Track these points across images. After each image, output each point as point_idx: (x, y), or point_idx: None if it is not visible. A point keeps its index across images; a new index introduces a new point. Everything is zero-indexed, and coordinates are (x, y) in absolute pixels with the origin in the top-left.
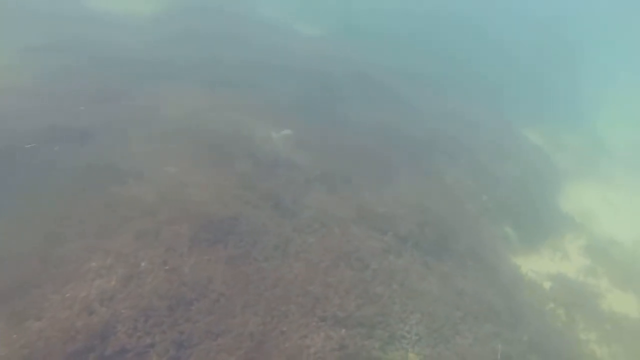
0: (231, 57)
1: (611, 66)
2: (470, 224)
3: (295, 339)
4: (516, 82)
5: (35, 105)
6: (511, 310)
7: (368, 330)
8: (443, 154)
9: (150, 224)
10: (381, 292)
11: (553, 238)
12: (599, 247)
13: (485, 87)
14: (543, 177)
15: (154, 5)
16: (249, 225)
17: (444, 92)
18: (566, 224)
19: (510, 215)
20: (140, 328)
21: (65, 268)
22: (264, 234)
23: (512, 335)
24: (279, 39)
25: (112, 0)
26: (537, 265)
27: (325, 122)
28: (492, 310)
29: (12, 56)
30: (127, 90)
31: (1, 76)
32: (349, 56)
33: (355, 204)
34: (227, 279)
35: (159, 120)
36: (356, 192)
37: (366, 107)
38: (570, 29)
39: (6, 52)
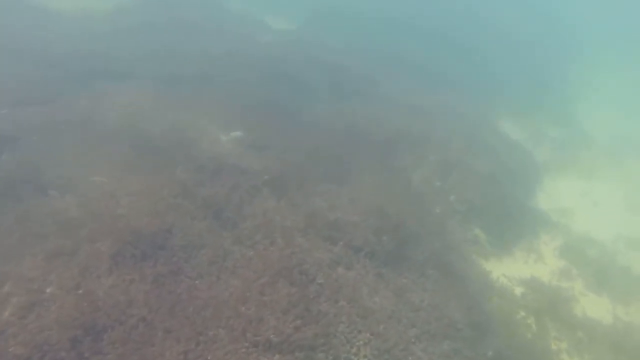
0: (187, 50)
1: (598, 53)
2: (435, 229)
3: None
4: (500, 71)
5: None
6: (475, 324)
7: (307, 354)
8: (412, 151)
9: (68, 241)
10: (326, 310)
11: (529, 239)
12: (576, 247)
13: (470, 75)
14: (520, 172)
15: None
16: (184, 239)
17: (425, 81)
18: (543, 223)
19: (482, 217)
20: None
21: None
22: (200, 248)
23: (474, 351)
24: (244, 31)
25: None
26: (509, 270)
27: (285, 120)
28: (453, 325)
29: None
30: (62, 90)
31: None
32: (321, 46)
33: (306, 211)
34: (151, 301)
35: (95, 123)
36: (308, 197)
37: (334, 102)
38: (562, 17)
39: None
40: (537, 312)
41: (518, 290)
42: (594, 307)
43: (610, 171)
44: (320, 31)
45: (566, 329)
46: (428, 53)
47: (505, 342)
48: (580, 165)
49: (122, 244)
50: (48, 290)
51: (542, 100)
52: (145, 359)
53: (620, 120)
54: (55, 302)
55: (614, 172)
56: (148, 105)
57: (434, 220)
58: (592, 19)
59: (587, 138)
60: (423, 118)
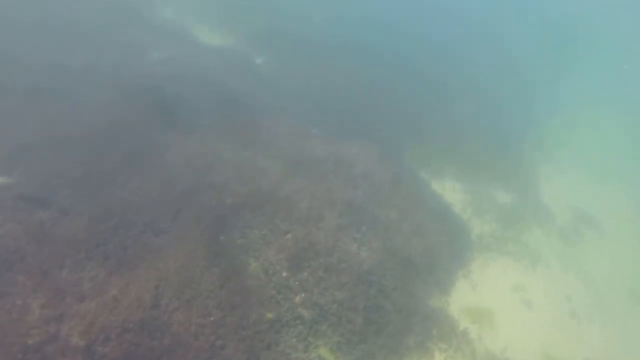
0: (39, 56)
1: (573, 109)
2: (246, 350)
3: None
4: (444, 121)
5: None
6: None
7: None
8: (265, 223)
9: None
10: None
11: (415, 356)
12: None
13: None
14: (435, 255)
15: None
16: None
17: (339, 122)
18: (443, 331)
19: (338, 327)
20: None
21: None
22: None
23: None
24: (149, 43)
25: None
26: None
27: (108, 161)
28: None
29: None
30: None
31: None
32: (238, 67)
33: None
34: None
35: None
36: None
37: (201, 139)
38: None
39: None
40: None
41: None
42: None
43: (560, 259)
44: (254, 49)
45: None
46: (362, 88)
47: None
48: (525, 247)
49: None
50: None
51: (498, 156)
52: None
53: (588, 193)
54: None
55: (565, 261)
56: None
57: (256, 332)
58: (574, 68)
59: (543, 210)
60: (304, 174)
